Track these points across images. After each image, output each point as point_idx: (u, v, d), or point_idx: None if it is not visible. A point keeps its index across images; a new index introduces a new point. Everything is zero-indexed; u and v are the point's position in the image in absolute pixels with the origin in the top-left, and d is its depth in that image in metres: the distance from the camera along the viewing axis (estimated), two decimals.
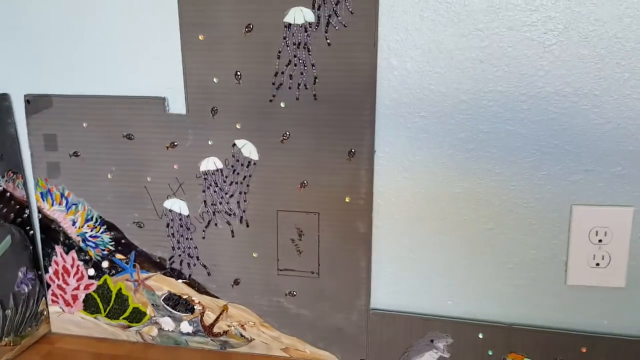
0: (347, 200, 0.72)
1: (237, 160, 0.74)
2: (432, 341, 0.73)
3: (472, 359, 0.72)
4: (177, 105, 0.74)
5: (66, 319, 0.84)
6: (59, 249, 0.81)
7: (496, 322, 0.71)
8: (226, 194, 0.75)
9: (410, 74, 0.67)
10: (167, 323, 0.81)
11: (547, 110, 0.64)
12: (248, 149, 0.73)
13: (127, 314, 0.81)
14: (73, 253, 0.81)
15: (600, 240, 0.66)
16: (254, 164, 0.74)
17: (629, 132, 0.62)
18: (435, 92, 0.66)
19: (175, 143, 0.75)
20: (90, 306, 0.82)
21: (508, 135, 0.65)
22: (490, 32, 0.63)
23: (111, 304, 0.82)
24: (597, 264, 0.67)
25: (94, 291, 0.82)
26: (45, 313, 0.83)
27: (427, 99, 0.67)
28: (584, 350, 0.69)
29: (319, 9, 0.66)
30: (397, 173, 0.71)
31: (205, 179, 0.75)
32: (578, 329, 0.69)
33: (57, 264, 0.82)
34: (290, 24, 0.67)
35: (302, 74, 0.69)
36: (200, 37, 0.71)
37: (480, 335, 0.72)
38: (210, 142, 0.74)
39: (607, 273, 0.67)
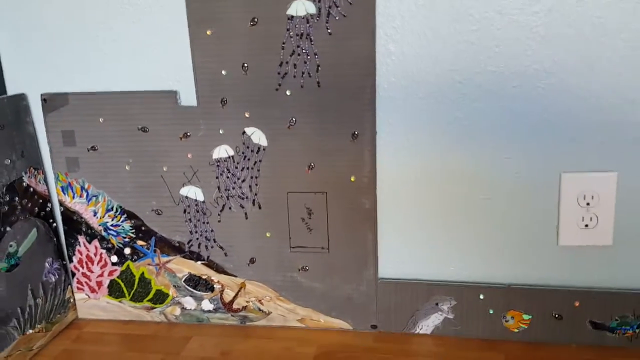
0: (352, 179, 0.77)
1: (248, 147, 0.79)
2: (437, 304, 0.79)
3: (474, 319, 0.79)
4: (188, 97, 0.78)
5: (92, 304, 0.89)
6: (81, 239, 0.86)
7: (495, 283, 0.78)
8: (238, 179, 0.80)
9: (407, 59, 0.71)
10: (189, 302, 0.86)
11: (536, 86, 0.69)
12: (257, 136, 0.78)
13: (150, 296, 0.87)
14: (96, 242, 0.86)
15: (588, 204, 0.72)
16: (264, 149, 0.78)
17: (611, 104, 0.68)
18: (431, 74, 0.71)
19: (188, 133, 0.80)
20: (114, 291, 0.88)
21: (501, 111, 0.71)
22: (481, 16, 0.68)
23: (135, 287, 0.87)
24: (586, 225, 0.73)
25: (117, 277, 0.87)
26: (72, 300, 0.88)
27: (424, 82, 0.72)
28: (577, 304, 0.75)
29: (319, 1, 0.70)
30: (398, 152, 0.76)
31: (218, 166, 0.80)
32: (570, 285, 0.76)
33: (80, 253, 0.86)
34: (292, 16, 0.72)
35: (305, 62, 0.73)
36: (208, 32, 0.74)
37: (481, 296, 0.78)
38: (221, 131, 0.78)
39: (596, 233, 0.73)
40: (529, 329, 0.77)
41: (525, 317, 0.77)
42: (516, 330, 0.78)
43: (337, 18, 0.70)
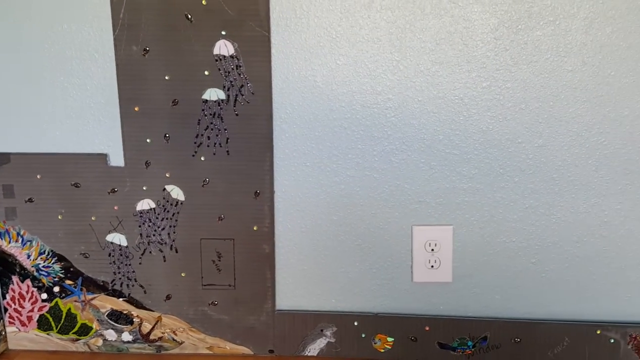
0: (255, 228, 0.95)
1: (167, 201, 0.95)
2: (321, 330, 0.98)
3: (350, 341, 0.97)
4: (117, 159, 0.93)
5: (22, 336, 0.99)
6: (15, 278, 0.97)
7: (366, 312, 0.97)
8: (158, 227, 0.96)
9: (297, 137, 0.91)
10: (111, 334, 0.99)
11: (391, 160, 0.91)
12: (176, 192, 0.94)
13: (76, 329, 0.99)
14: (28, 281, 0.97)
15: (432, 249, 0.94)
16: (181, 203, 0.94)
17: (444, 175, 0.91)
18: (315, 149, 0.92)
19: (116, 189, 0.94)
20: (43, 324, 0.99)
21: (367, 179, 0.92)
22: (350, 107, 0.89)
23: (62, 321, 0.99)
24: (432, 266, 0.95)
25: (46, 312, 0.98)
26: (3, 333, 0.99)
27: (310, 154, 0.92)
28: (427, 328, 0.96)
29: (228, 90, 0.89)
30: (292, 207, 0.95)
31: (141, 216, 0.95)
32: (422, 313, 0.96)
33: (13, 291, 0.98)
34: (207, 100, 0.90)
35: (217, 135, 0.91)
36: (136, 109, 0.91)
37: (356, 323, 0.97)
38: (144, 188, 0.94)
39: (439, 272, 0.95)
40: (392, 349, 0.97)
41: (389, 339, 0.97)
42: (382, 351, 0.97)
43: (242, 103, 0.89)
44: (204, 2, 0.86)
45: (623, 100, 0.87)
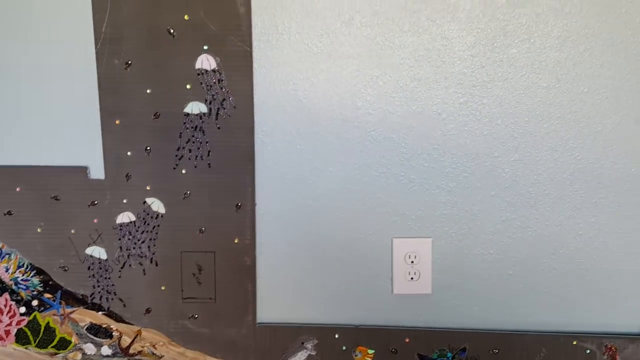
0: (236, 241, 0.95)
1: (148, 214, 0.95)
2: (302, 343, 0.98)
3: (331, 354, 0.98)
4: (97, 172, 0.93)
5: (0, 351, 0.98)
6: None
7: (347, 324, 0.97)
8: (139, 240, 0.95)
9: (278, 150, 0.92)
10: (90, 348, 0.98)
11: (374, 176, 0.92)
12: (157, 205, 0.94)
13: (54, 343, 0.98)
14: (6, 295, 0.96)
15: (412, 262, 0.95)
16: (162, 216, 0.95)
17: (424, 189, 0.93)
18: (296, 162, 0.92)
19: (95, 202, 0.94)
20: (21, 338, 0.98)
21: (346, 192, 0.93)
22: (329, 122, 0.91)
23: (40, 335, 0.97)
24: (412, 278, 0.96)
25: (25, 326, 0.97)
26: None
27: (291, 167, 0.93)
28: (407, 340, 0.97)
29: (210, 104, 0.90)
30: (273, 220, 0.95)
31: (120, 229, 0.95)
32: (402, 325, 0.97)
33: None
34: (189, 113, 0.91)
35: (198, 148, 0.92)
36: (117, 122, 0.91)
37: (337, 336, 0.97)
38: (125, 201, 0.94)
39: (419, 284, 0.96)
40: None
41: (370, 351, 0.98)
42: None
43: (224, 117, 0.90)
44: (186, 17, 0.87)
45: (596, 117, 0.90)
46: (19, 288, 0.96)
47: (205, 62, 0.88)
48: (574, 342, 0.95)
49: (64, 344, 0.98)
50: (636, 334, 0.96)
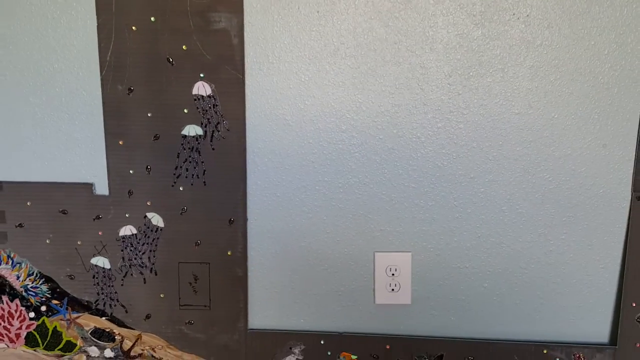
0: (229, 253, 1.02)
1: (148, 227, 1.02)
2: (290, 348, 1.05)
3: (317, 359, 1.05)
4: (102, 188, 1.00)
5: (10, 352, 1.06)
6: (5, 297, 1.04)
7: (332, 331, 1.04)
8: (139, 251, 1.03)
9: (269, 169, 0.99)
10: (94, 351, 1.06)
11: (356, 195, 0.99)
12: (156, 219, 1.01)
13: (61, 345, 1.05)
14: (17, 301, 1.04)
15: (393, 274, 1.02)
16: (161, 229, 1.02)
17: (404, 207, 0.99)
18: (285, 181, 0.99)
19: (100, 216, 1.01)
20: (30, 341, 1.05)
21: (332, 209, 1.00)
22: (317, 144, 0.97)
23: (48, 338, 1.05)
24: (393, 289, 1.02)
25: (34, 330, 1.05)
26: None
27: (280, 185, 1.00)
28: (388, 347, 1.03)
29: (205, 127, 0.97)
30: (263, 234, 1.02)
31: (123, 241, 1.02)
32: (383, 333, 1.03)
33: (3, 309, 1.04)
34: (186, 135, 0.98)
35: (195, 168, 0.99)
36: (120, 142, 0.98)
37: (322, 342, 1.04)
38: (127, 215, 1.01)
39: (399, 295, 1.02)
40: None
41: (353, 357, 1.04)
42: None
43: (218, 139, 0.97)
44: (184, 48, 0.94)
45: (566, 141, 0.96)
46: (28, 295, 1.04)
47: (202, 88, 0.95)
48: (545, 351, 1.01)
49: (69, 347, 1.05)
50: (603, 343, 1.02)
